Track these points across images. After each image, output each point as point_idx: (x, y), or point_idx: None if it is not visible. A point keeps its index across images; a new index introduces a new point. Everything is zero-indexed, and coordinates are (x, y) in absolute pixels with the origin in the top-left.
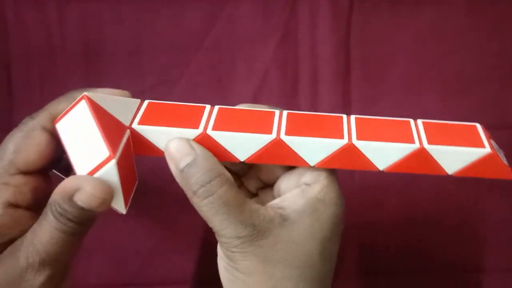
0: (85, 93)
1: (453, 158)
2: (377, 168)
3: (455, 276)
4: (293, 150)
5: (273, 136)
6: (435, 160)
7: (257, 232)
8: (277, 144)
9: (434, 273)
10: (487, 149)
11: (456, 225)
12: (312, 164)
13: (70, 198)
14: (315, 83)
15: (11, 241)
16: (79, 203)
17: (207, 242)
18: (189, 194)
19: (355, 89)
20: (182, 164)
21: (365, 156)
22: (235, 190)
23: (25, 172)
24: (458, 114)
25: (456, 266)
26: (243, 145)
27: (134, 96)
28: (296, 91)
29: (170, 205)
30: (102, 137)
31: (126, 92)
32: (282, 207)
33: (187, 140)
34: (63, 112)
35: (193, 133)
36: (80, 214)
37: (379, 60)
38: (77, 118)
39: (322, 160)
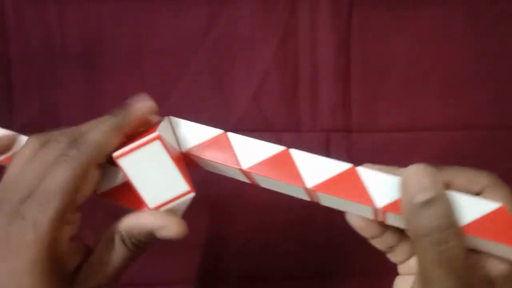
0: (156, 133)
1: None
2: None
3: None
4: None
5: None
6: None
7: None
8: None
9: None
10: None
11: None
12: None
13: (150, 232)
14: (315, 83)
15: (77, 268)
16: (162, 236)
17: (208, 242)
18: (415, 232)
19: (355, 89)
20: (419, 199)
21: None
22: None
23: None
24: (457, 114)
25: None
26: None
27: (132, 95)
28: (296, 91)
29: None
30: (180, 174)
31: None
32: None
33: (433, 171)
34: (128, 149)
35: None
36: (151, 241)
37: (379, 60)
38: (148, 156)
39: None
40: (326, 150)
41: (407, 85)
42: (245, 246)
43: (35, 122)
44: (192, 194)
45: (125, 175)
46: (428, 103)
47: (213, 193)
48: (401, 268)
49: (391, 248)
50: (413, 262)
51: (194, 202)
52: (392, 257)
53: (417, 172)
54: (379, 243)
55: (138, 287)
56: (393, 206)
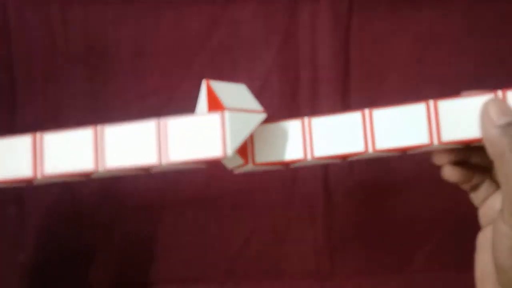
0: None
1: None
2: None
3: (453, 275)
4: None
5: None
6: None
7: None
8: None
9: (434, 272)
10: None
11: (456, 224)
12: None
13: None
14: (315, 85)
15: None
16: None
17: (208, 243)
18: (498, 151)
19: (355, 91)
20: (501, 121)
21: None
22: None
23: None
24: None
25: (456, 265)
26: None
27: (136, 97)
28: (296, 93)
29: (171, 206)
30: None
31: None
32: None
33: (505, 102)
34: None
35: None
36: None
37: (379, 62)
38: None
39: None
40: None
41: (406, 87)
42: (245, 246)
43: (38, 122)
44: (263, 115)
45: (212, 92)
46: None
47: (213, 193)
48: (481, 215)
49: (475, 186)
50: (491, 203)
51: (194, 203)
52: (475, 197)
53: (494, 101)
54: (466, 185)
55: (138, 286)
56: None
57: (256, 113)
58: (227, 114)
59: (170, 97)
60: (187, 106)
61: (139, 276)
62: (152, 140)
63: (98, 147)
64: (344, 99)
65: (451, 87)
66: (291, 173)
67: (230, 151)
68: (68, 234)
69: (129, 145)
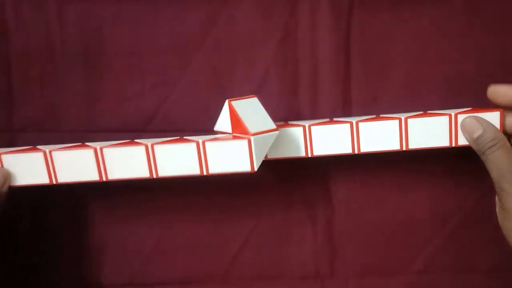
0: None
1: None
2: None
3: (453, 276)
4: None
5: None
6: None
7: None
8: None
9: (435, 273)
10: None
11: (456, 227)
12: None
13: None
14: (315, 83)
15: None
16: None
17: (207, 243)
18: (480, 153)
19: (355, 89)
20: (475, 135)
21: None
22: (507, 151)
23: None
24: None
25: (456, 266)
26: None
27: (133, 96)
28: (296, 91)
29: (170, 206)
30: (269, 118)
31: None
32: None
33: (476, 117)
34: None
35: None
36: None
37: (379, 60)
38: (249, 104)
39: None
40: None
41: (407, 85)
42: (244, 247)
43: (35, 122)
44: (276, 132)
45: (235, 113)
46: (428, 103)
47: (213, 193)
48: None
49: None
50: None
51: (194, 203)
52: None
53: (469, 121)
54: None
55: (138, 287)
56: None
57: (272, 132)
58: (252, 139)
59: (168, 96)
60: (184, 105)
61: (137, 278)
62: (195, 157)
63: (150, 160)
64: (345, 97)
65: (452, 84)
66: (291, 174)
67: (256, 167)
68: (66, 235)
69: (177, 160)
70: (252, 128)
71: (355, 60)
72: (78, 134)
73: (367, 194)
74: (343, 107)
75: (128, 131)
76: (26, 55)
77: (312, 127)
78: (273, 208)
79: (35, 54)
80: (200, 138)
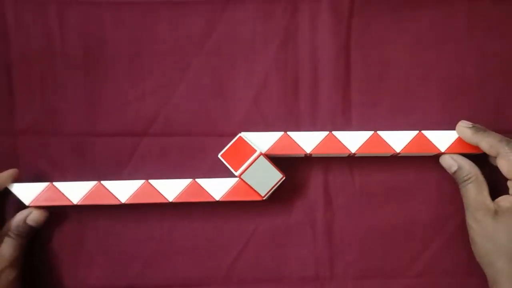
0: (258, 152)
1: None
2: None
3: (452, 280)
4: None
5: None
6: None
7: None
8: None
9: (434, 276)
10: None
11: (455, 230)
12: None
13: (23, 220)
14: (315, 86)
15: None
16: (30, 223)
17: (207, 245)
18: (458, 183)
19: (355, 92)
20: (452, 170)
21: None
22: (478, 185)
23: None
24: (457, 117)
25: (454, 270)
26: None
27: (134, 99)
28: (296, 94)
29: (170, 209)
30: (275, 168)
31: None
32: (499, 204)
33: (451, 156)
34: (244, 168)
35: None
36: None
37: (379, 63)
38: (257, 167)
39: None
40: None
41: (406, 88)
42: (244, 250)
43: (35, 125)
44: (283, 178)
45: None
46: (428, 106)
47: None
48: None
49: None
50: None
51: (194, 206)
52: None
53: (446, 159)
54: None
55: None
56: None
57: (280, 181)
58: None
59: (169, 99)
60: (185, 108)
61: (137, 281)
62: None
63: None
64: (345, 100)
65: (451, 88)
66: (291, 178)
67: (266, 197)
68: (67, 236)
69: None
70: (262, 192)
71: (355, 63)
72: (78, 138)
73: (367, 197)
74: (343, 110)
75: (128, 134)
76: (27, 58)
77: (314, 155)
78: (273, 211)
79: (35, 57)
80: (216, 194)
